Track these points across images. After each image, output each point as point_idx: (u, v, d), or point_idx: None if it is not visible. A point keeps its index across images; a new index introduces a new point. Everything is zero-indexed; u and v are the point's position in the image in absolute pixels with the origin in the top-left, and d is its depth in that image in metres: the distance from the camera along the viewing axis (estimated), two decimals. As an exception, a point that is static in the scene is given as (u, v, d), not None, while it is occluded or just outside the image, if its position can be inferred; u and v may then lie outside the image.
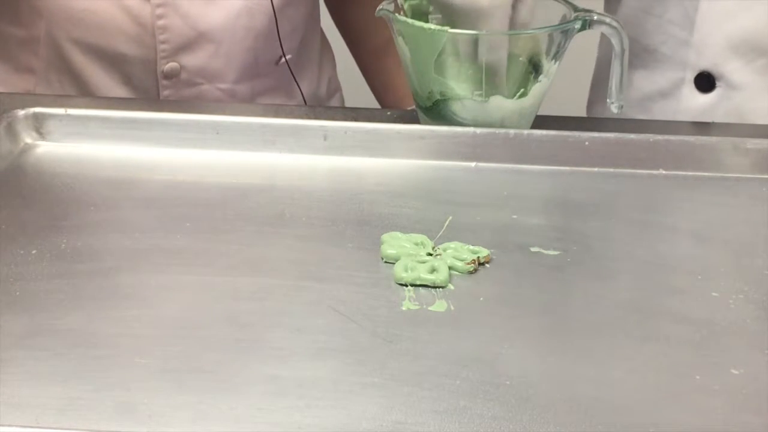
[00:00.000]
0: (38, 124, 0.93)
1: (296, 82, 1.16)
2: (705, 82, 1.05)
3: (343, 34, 1.32)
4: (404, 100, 1.26)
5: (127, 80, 1.10)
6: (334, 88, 1.27)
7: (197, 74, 1.11)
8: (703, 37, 0.97)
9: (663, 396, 0.64)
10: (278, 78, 1.16)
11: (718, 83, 1.05)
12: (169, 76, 1.10)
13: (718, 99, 1.05)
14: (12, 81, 1.12)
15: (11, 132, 0.92)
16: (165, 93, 1.11)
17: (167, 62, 1.09)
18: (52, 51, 1.09)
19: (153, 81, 1.10)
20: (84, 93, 1.10)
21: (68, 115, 0.93)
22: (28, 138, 0.93)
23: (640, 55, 1.08)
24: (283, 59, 1.14)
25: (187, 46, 1.09)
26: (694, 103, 1.03)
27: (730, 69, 1.04)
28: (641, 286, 0.76)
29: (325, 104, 1.24)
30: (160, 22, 1.07)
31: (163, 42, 1.08)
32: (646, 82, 1.09)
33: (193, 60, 1.10)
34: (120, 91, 1.11)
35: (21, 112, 0.93)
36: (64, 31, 1.08)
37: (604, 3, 1.13)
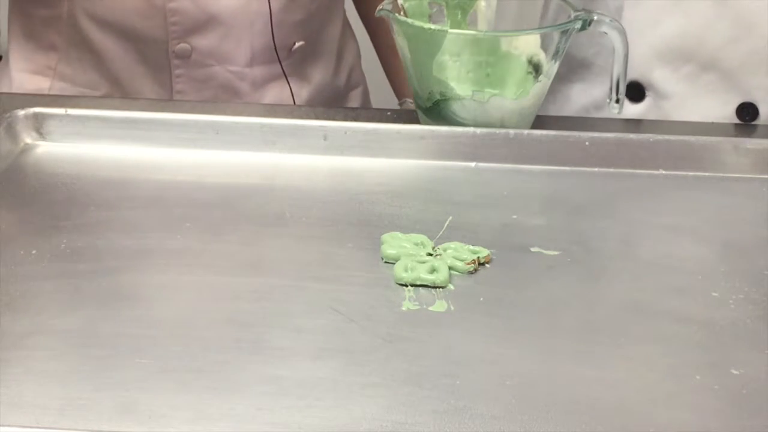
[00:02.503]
0: (38, 124, 0.93)
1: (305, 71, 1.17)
2: (636, 91, 1.05)
3: (365, 27, 1.32)
4: None
5: (143, 58, 1.12)
6: (356, 81, 1.27)
7: (208, 56, 1.12)
8: (630, 47, 0.97)
9: (663, 396, 0.64)
10: (291, 64, 1.17)
11: (647, 92, 1.05)
12: (181, 56, 1.12)
13: (648, 108, 1.05)
14: (36, 59, 1.15)
15: (11, 132, 0.92)
16: (177, 72, 1.13)
17: (178, 43, 1.11)
18: (72, 29, 1.12)
19: (165, 60, 1.12)
20: (102, 70, 1.13)
21: (68, 115, 0.93)
22: (28, 138, 0.93)
23: (576, 69, 1.08)
24: (297, 45, 1.15)
25: (198, 28, 1.11)
26: (626, 114, 1.03)
27: (658, 77, 1.03)
28: (641, 286, 0.75)
29: (344, 96, 1.25)
30: (171, 5, 1.09)
31: (174, 24, 1.10)
32: (583, 95, 1.09)
33: (203, 42, 1.12)
34: (136, 69, 1.13)
35: (21, 112, 0.93)
36: (84, 10, 1.11)
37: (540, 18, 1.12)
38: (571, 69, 1.05)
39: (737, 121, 1.01)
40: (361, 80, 1.29)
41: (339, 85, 1.24)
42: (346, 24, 1.27)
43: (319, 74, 1.20)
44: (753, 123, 1.02)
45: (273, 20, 1.12)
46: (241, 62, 1.13)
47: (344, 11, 1.26)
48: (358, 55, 1.30)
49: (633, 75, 1.03)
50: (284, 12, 1.13)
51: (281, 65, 1.15)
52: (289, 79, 1.17)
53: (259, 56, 1.14)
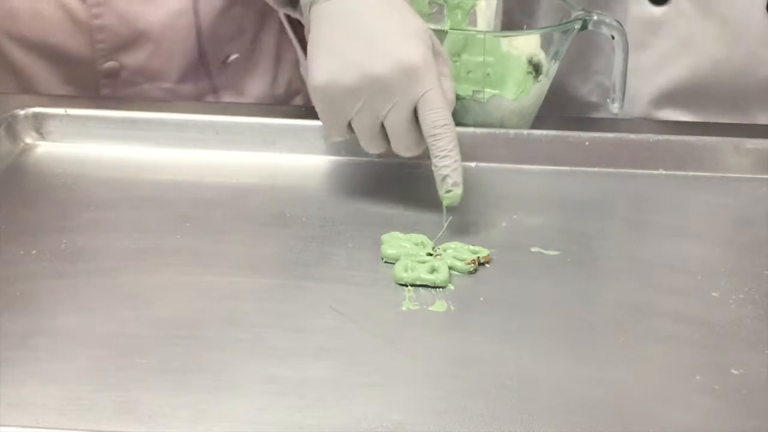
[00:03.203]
0: (38, 124, 0.93)
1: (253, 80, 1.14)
2: None
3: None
4: None
5: (70, 78, 1.08)
6: (295, 89, 1.24)
7: (137, 74, 1.08)
8: (634, 90, 0.97)
9: (663, 396, 0.64)
10: (226, 78, 1.14)
11: None
12: (109, 75, 1.08)
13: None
14: None
15: (11, 132, 0.92)
16: (105, 92, 1.09)
17: (106, 61, 1.07)
18: None
19: (93, 80, 1.08)
20: (27, 90, 1.08)
21: (68, 115, 0.93)
22: (28, 138, 0.93)
23: (567, 105, 1.07)
24: (231, 58, 1.12)
25: (126, 45, 1.07)
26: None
27: (663, 115, 1.03)
28: (641, 286, 0.75)
29: (284, 104, 1.22)
30: (97, 22, 1.05)
31: (100, 41, 1.06)
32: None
33: (132, 59, 1.08)
34: (62, 89, 1.09)
35: (21, 112, 0.93)
36: (3, 28, 1.06)
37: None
38: (561, 105, 1.05)
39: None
40: (302, 87, 1.25)
41: (278, 94, 1.21)
42: (283, 31, 1.23)
43: (256, 86, 1.17)
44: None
45: (204, 34, 1.09)
46: (172, 79, 1.10)
47: (278, 17, 1.22)
48: (297, 63, 1.26)
49: (637, 113, 1.02)
50: (215, 26, 1.09)
51: (215, 79, 1.12)
52: (223, 93, 1.14)
53: (191, 72, 1.11)
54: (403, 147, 0.81)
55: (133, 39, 1.07)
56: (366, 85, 0.78)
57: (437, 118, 0.78)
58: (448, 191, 0.80)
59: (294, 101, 1.23)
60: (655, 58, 1.00)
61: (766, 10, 0.97)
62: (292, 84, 1.23)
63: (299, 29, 1.27)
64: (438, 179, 0.80)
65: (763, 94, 1.00)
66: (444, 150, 0.79)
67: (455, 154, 0.79)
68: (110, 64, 1.07)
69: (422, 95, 0.78)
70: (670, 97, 1.01)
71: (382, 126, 0.80)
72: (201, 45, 1.10)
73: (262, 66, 1.18)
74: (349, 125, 0.82)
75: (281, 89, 1.21)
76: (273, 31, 1.20)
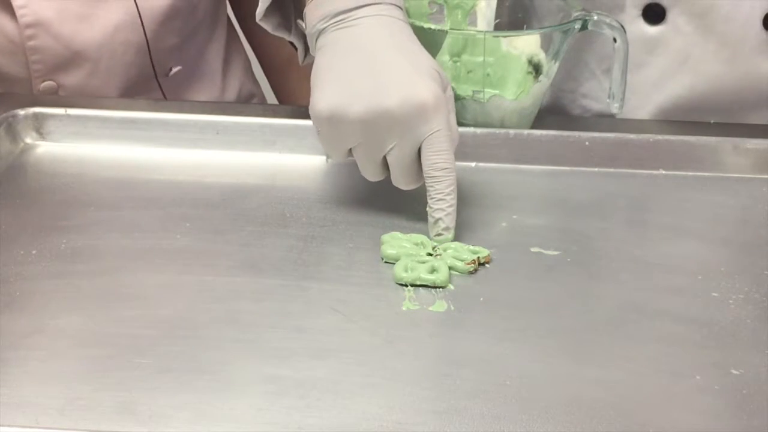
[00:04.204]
0: (38, 124, 0.93)
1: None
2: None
3: (249, 44, 1.29)
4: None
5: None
6: (248, 93, 1.22)
7: (77, 92, 1.07)
8: (632, 108, 0.97)
9: (663, 396, 0.64)
10: (169, 90, 1.12)
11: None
12: (47, 94, 1.05)
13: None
14: None
15: (11, 132, 0.92)
16: None
17: (43, 81, 1.05)
18: None
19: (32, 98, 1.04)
20: None
21: (68, 115, 0.93)
22: (28, 138, 0.93)
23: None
24: (174, 70, 1.11)
25: (63, 65, 1.05)
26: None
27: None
28: (641, 286, 0.75)
29: None
30: (31, 43, 1.03)
31: (36, 62, 1.04)
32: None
33: (70, 79, 1.06)
34: None
35: (21, 112, 0.93)
36: None
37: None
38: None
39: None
40: (255, 89, 1.25)
41: (229, 100, 1.19)
42: (231, 37, 1.22)
43: (205, 95, 1.15)
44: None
45: (143, 49, 1.07)
46: (114, 94, 1.08)
47: (227, 23, 1.21)
48: (248, 66, 1.25)
49: None
50: (157, 39, 1.07)
51: (159, 92, 1.11)
52: None
53: (133, 87, 1.09)
54: (404, 181, 0.80)
55: (70, 59, 1.05)
56: (373, 119, 0.77)
57: (440, 161, 0.77)
58: (439, 234, 0.79)
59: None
60: (653, 77, 1.00)
61: (762, 25, 0.96)
62: (242, 89, 1.21)
63: (253, 34, 1.27)
64: (431, 220, 0.79)
65: (760, 107, 1.00)
66: (441, 193, 0.78)
67: (452, 199, 0.78)
68: (47, 83, 1.05)
69: (429, 135, 0.77)
70: (668, 115, 1.01)
71: (384, 157, 0.80)
72: (138, 60, 1.07)
73: (208, 76, 1.16)
74: (350, 151, 0.81)
75: (232, 95, 1.19)
76: (220, 38, 1.18)
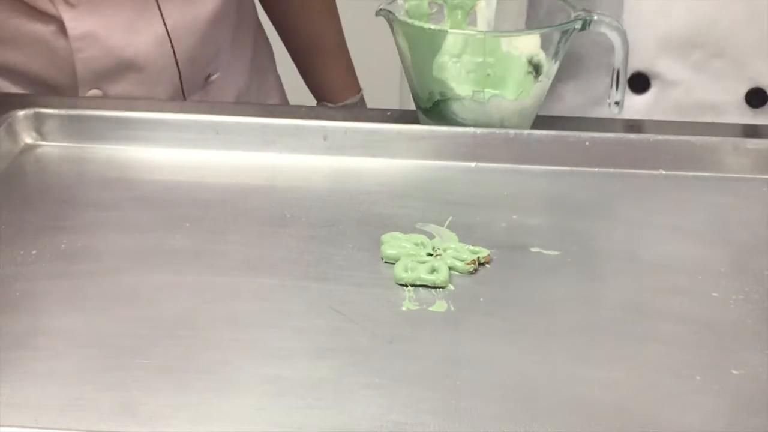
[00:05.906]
0: (38, 124, 0.93)
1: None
2: (639, 82, 1.04)
3: (277, 32, 1.30)
4: (337, 94, 1.26)
5: None
6: (271, 86, 1.25)
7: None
8: (633, 40, 0.96)
9: (663, 396, 0.64)
10: (206, 94, 1.14)
11: (652, 82, 1.04)
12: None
13: (654, 98, 1.04)
14: None
15: (11, 132, 0.92)
16: None
17: (89, 89, 1.06)
18: None
19: None
20: None
21: (68, 115, 0.93)
22: (28, 138, 0.93)
23: (568, 67, 1.07)
24: (213, 77, 1.13)
25: (110, 74, 1.07)
26: (629, 106, 1.02)
27: (664, 66, 1.02)
28: (641, 286, 0.75)
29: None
30: (80, 55, 1.04)
31: (83, 72, 1.05)
32: (576, 92, 1.08)
33: (116, 87, 1.07)
34: None
35: (21, 112, 0.93)
36: None
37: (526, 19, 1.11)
38: (562, 66, 1.05)
39: (746, 107, 1.01)
40: (276, 84, 1.26)
41: (257, 100, 1.21)
42: (258, 33, 1.23)
43: (235, 97, 1.17)
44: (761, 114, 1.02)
45: (186, 59, 1.09)
46: None
47: (256, 17, 1.22)
48: (272, 59, 1.27)
49: (637, 66, 1.02)
50: (196, 49, 1.09)
51: (197, 97, 1.12)
52: None
53: (175, 95, 1.10)
54: None
55: (117, 69, 1.06)
56: None
57: None
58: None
59: (272, 101, 1.23)
60: (654, 5, 1.00)
61: None
62: (266, 85, 1.23)
63: (284, 15, 1.28)
64: None
65: (761, 47, 1.00)
66: None
67: None
68: (94, 91, 1.07)
69: None
70: (669, 45, 1.00)
71: None
72: (181, 69, 1.09)
73: (240, 76, 1.18)
74: None
75: (254, 94, 1.20)
76: (247, 41, 1.20)
